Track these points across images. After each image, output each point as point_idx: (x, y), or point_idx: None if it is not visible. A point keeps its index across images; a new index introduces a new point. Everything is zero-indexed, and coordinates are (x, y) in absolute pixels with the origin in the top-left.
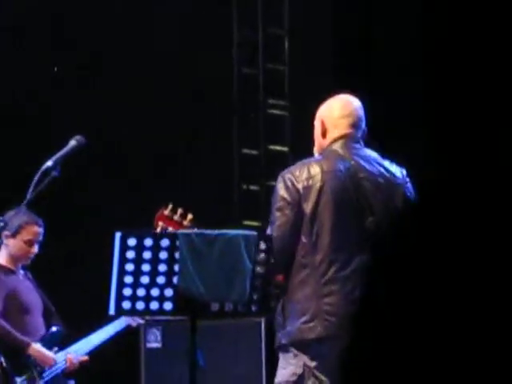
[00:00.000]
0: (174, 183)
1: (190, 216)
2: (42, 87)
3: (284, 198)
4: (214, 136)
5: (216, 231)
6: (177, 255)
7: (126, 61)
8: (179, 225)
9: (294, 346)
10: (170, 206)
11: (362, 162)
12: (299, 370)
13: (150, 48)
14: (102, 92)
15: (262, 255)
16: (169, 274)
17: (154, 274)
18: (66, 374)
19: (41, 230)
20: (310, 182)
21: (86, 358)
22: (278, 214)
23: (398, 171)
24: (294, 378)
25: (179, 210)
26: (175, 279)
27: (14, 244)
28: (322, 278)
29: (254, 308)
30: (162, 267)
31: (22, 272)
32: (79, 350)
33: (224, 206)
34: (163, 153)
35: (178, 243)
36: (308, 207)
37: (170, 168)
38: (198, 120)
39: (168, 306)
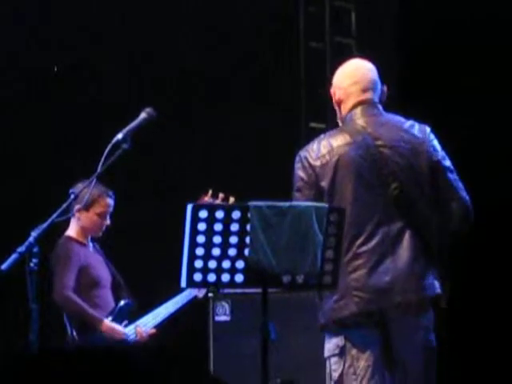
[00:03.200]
0: (240, 161)
1: (231, 199)
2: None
3: (302, 178)
4: (282, 110)
5: (287, 203)
6: (248, 227)
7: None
8: None
9: (333, 324)
10: (211, 192)
11: (379, 130)
12: (341, 342)
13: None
14: None
15: (333, 227)
16: (240, 246)
17: (225, 246)
18: None
19: (112, 201)
20: (326, 158)
21: (153, 330)
22: (297, 194)
23: (419, 131)
24: (337, 351)
25: (220, 195)
26: (246, 251)
27: (86, 216)
28: (347, 254)
29: (326, 280)
30: (233, 239)
31: (91, 245)
32: (148, 323)
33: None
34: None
35: (249, 215)
36: (326, 185)
37: (238, 144)
38: (266, 95)
39: (239, 278)
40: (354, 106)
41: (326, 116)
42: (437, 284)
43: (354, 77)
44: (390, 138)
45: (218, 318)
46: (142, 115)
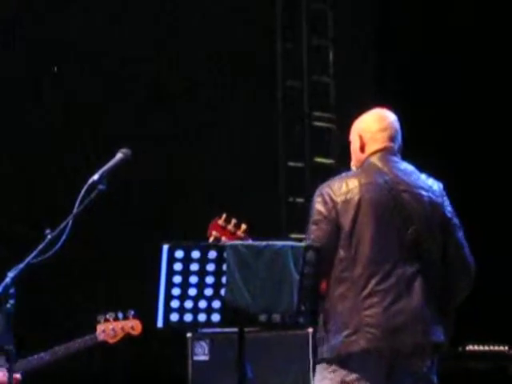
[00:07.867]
0: (222, 198)
1: (243, 226)
2: None
3: (321, 213)
4: (259, 149)
5: (264, 243)
6: (224, 267)
7: None
8: (233, 235)
9: (336, 361)
10: (224, 216)
11: (400, 175)
12: (348, 377)
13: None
14: None
15: (309, 267)
16: (216, 285)
17: (201, 285)
18: None
19: None
20: (348, 195)
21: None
22: (313, 227)
23: (435, 184)
24: None
25: (233, 220)
26: (223, 291)
27: None
28: (362, 291)
29: (301, 319)
30: (210, 279)
31: None
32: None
33: (270, 219)
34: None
35: (225, 255)
36: (346, 221)
37: (218, 183)
38: (243, 134)
39: (216, 317)
40: (377, 151)
41: (303, 155)
42: (441, 331)
43: (382, 124)
44: (410, 184)
45: (196, 358)
46: (118, 155)
